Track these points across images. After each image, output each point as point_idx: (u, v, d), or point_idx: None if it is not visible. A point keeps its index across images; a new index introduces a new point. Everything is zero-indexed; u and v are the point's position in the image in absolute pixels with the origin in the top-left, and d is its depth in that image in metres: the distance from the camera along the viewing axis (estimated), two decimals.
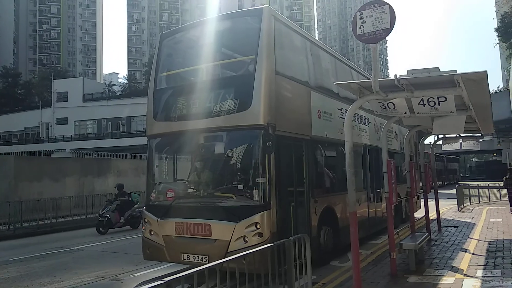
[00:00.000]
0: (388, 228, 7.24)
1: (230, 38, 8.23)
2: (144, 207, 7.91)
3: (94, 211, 17.57)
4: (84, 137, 54.50)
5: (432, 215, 11.65)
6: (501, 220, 13.77)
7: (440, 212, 12.72)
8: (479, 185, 23.72)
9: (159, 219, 7.33)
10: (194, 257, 6.80)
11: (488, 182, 26.04)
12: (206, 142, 7.54)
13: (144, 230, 7.62)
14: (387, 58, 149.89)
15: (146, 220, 7.61)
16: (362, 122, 10.82)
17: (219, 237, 6.59)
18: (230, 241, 6.44)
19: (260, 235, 6.29)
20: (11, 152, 32.20)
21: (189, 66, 8.59)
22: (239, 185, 6.81)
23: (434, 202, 11.78)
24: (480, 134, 13.10)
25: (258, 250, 4.95)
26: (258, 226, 6.32)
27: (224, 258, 5.29)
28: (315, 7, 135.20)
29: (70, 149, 45.53)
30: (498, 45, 34.98)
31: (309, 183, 7.74)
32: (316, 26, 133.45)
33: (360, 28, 5.23)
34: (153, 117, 7.98)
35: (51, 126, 58.68)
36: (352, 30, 5.43)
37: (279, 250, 5.12)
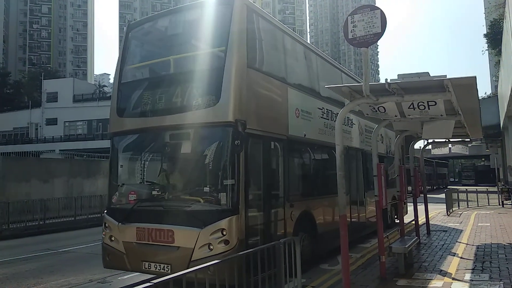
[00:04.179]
0: (378, 231, 7.26)
1: (200, 29, 7.58)
2: (105, 211, 7.39)
3: (83, 212, 17.41)
4: (74, 138, 53.88)
5: (421, 219, 11.74)
6: (489, 224, 13.91)
7: (429, 216, 12.81)
8: (467, 189, 23.98)
9: (119, 224, 6.74)
10: (155, 266, 6.25)
11: (477, 187, 26.34)
12: (172, 140, 6.94)
13: (104, 236, 7.06)
14: (378, 63, 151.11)
15: (106, 225, 7.03)
16: (346, 124, 10.35)
17: (182, 244, 6.03)
18: (194, 249, 5.88)
19: (226, 242, 5.74)
20: None
21: (156, 58, 7.97)
22: (205, 188, 6.28)
23: (423, 206, 11.87)
24: (469, 139, 13.22)
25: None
26: (224, 233, 5.76)
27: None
28: (307, 11, 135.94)
29: (60, 150, 44.98)
30: (487, 51, 35.45)
31: (284, 186, 7.27)
32: (308, 30, 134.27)
33: (351, 32, 5.27)
34: (116, 113, 7.42)
35: (40, 126, 58.02)
36: (343, 34, 5.47)
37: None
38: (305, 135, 8.24)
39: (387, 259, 7.38)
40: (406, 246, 7.49)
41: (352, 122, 10.95)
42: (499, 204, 21.46)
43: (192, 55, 7.45)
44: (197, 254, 5.83)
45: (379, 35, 5.10)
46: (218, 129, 6.32)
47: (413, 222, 11.02)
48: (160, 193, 6.85)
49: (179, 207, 6.45)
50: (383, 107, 6.19)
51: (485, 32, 33.23)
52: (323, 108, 9.15)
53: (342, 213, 5.69)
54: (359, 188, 10.87)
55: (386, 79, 5.79)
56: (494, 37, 28.58)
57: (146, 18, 8.86)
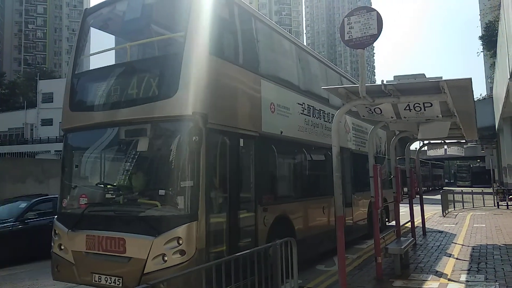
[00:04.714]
0: (374, 232, 7.29)
1: (159, 12, 6.98)
2: (55, 216, 6.63)
3: None
4: None
5: (417, 220, 11.78)
6: (484, 225, 13.97)
7: (425, 218, 12.85)
8: (463, 190, 24.09)
9: (69, 231, 6.02)
10: (106, 279, 5.53)
11: (473, 188, 26.46)
12: (127, 137, 6.12)
13: (53, 244, 6.34)
14: (374, 64, 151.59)
15: (56, 232, 6.30)
16: (329, 120, 9.61)
17: (134, 254, 5.30)
18: (146, 261, 5.17)
19: (182, 253, 5.03)
20: None
21: (112, 46, 7.40)
22: (160, 191, 5.56)
23: (417, 207, 11.90)
24: (464, 141, 13.29)
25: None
26: (180, 242, 5.05)
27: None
28: (304, 13, 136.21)
29: (55, 151, 44.86)
30: (482, 53, 35.68)
31: (256, 188, 6.52)
32: (304, 32, 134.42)
33: (348, 33, 5.29)
34: (69, 107, 6.72)
35: (35, 127, 57.80)
36: (340, 35, 5.48)
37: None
38: (282, 132, 7.47)
39: (383, 260, 7.39)
40: (402, 247, 7.52)
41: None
42: (495, 205, 21.55)
43: (150, 42, 6.90)
44: (150, 266, 5.15)
45: (376, 36, 5.11)
46: (176, 124, 5.58)
47: (409, 223, 11.06)
48: (113, 196, 6.15)
49: (132, 213, 5.71)
50: (379, 109, 6.22)
51: (480, 34, 33.41)
52: (303, 103, 8.45)
53: (339, 214, 5.69)
54: (346, 190, 10.01)
55: (382, 81, 5.78)
56: (489, 39, 28.73)
57: (103, 2, 7.53)
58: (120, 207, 5.94)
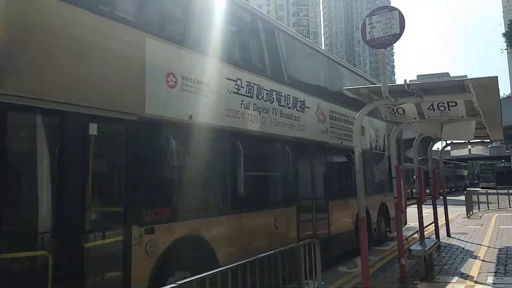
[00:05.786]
0: (398, 233, 7.22)
1: None
2: None
3: None
4: None
5: (441, 221, 11.59)
6: (511, 227, 13.63)
7: (449, 219, 12.63)
8: (488, 191, 23.55)
9: None
10: None
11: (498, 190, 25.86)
12: None
13: None
14: (394, 63, 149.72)
15: None
16: (291, 106, 7.60)
17: None
18: None
19: None
20: None
21: None
22: None
23: (440, 209, 11.70)
24: (489, 140, 13.01)
25: None
26: None
27: None
28: (321, 13, 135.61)
29: None
30: (506, 50, 34.82)
31: (133, 198, 4.43)
32: (322, 32, 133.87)
33: (369, 33, 5.26)
34: None
35: None
36: (361, 35, 5.46)
37: None
38: (191, 117, 5.28)
39: (406, 262, 7.30)
40: (426, 248, 7.40)
41: (303, 104, 8.01)
42: None
43: None
44: None
45: (398, 36, 5.07)
46: None
47: (432, 225, 10.88)
48: None
49: None
50: (402, 109, 6.15)
51: (504, 31, 32.67)
52: (238, 79, 6.26)
53: (362, 216, 5.64)
54: (317, 195, 8.26)
55: (405, 80, 5.73)
56: None
57: None
58: None
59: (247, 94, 6.45)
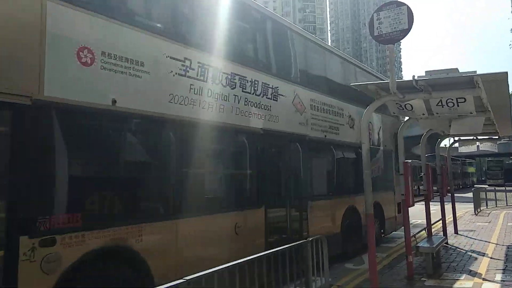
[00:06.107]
0: (405, 230, 7.18)
1: None
2: None
3: None
4: None
5: (448, 218, 11.51)
6: None
7: (457, 216, 12.55)
8: (496, 188, 23.37)
9: None
10: None
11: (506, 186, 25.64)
12: None
13: None
14: (401, 60, 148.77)
15: None
16: (261, 94, 6.65)
17: None
18: None
19: None
20: None
21: None
22: None
23: (448, 205, 11.62)
24: (497, 137, 12.88)
25: None
26: None
27: None
28: (328, 9, 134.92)
29: None
30: None
31: (22, 201, 3.53)
32: (329, 28, 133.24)
33: (377, 29, 5.22)
34: None
35: None
36: (369, 30, 5.42)
37: None
38: (114, 102, 4.37)
39: (414, 259, 7.27)
40: (434, 246, 7.38)
41: (276, 91, 7.03)
42: None
43: None
44: None
45: (406, 31, 5.03)
46: None
47: (439, 222, 10.82)
48: None
49: None
50: (410, 105, 6.10)
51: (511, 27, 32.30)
52: (186, 59, 5.28)
53: (369, 212, 5.61)
54: (294, 194, 7.42)
55: (414, 76, 5.68)
56: None
57: None
58: None
59: (198, 78, 5.45)
